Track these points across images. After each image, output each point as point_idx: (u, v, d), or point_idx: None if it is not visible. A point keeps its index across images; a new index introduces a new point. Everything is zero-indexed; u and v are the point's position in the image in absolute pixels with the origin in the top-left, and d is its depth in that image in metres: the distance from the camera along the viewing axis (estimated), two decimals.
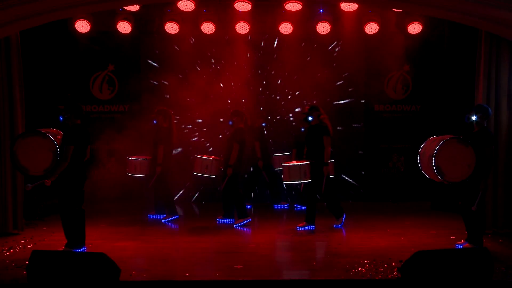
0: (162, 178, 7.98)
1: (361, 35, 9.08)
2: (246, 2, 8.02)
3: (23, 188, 7.36)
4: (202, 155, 8.00)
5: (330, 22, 8.64)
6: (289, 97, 9.63)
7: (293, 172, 7.38)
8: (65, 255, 4.51)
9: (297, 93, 9.62)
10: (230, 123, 7.78)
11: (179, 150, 9.39)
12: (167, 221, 8.01)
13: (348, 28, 9.14)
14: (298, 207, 9.01)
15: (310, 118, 7.40)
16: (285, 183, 7.56)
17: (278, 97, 9.63)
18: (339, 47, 9.55)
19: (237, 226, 7.63)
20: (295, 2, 8.01)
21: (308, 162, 7.36)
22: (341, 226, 7.55)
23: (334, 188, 7.96)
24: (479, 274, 4.11)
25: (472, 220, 6.15)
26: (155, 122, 8.10)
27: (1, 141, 7.08)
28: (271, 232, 7.29)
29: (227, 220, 7.81)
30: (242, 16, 8.55)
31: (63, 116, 6.02)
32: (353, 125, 9.70)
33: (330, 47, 9.55)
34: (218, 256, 6.17)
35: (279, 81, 9.56)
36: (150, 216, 8.23)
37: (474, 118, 6.18)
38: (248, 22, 8.63)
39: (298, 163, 7.40)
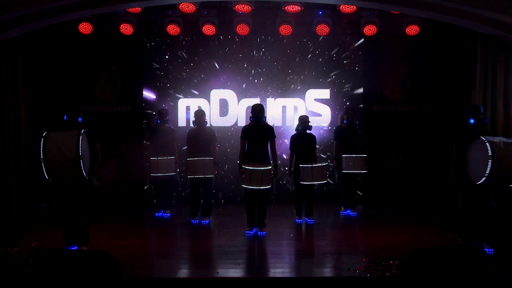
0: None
1: (360, 37, 9.15)
2: (246, 4, 8.12)
3: (27, 188, 7.45)
4: None
5: (329, 24, 8.72)
6: (290, 97, 9.70)
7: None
8: (68, 253, 4.54)
9: (298, 95, 9.69)
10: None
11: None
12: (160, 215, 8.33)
13: (347, 30, 9.24)
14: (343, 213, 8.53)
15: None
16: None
17: (278, 97, 9.70)
18: (337, 49, 9.62)
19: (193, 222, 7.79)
20: (294, 4, 8.12)
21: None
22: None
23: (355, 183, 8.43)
24: (476, 272, 4.15)
25: (471, 219, 6.20)
26: (158, 122, 8.25)
27: (6, 142, 7.15)
28: (271, 231, 7.32)
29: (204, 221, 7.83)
30: (243, 18, 8.64)
31: (81, 118, 6.05)
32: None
33: (328, 49, 9.60)
34: (219, 254, 6.22)
35: (279, 82, 9.63)
36: (157, 214, 8.35)
37: (485, 120, 6.13)
38: (248, 24, 8.72)
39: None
